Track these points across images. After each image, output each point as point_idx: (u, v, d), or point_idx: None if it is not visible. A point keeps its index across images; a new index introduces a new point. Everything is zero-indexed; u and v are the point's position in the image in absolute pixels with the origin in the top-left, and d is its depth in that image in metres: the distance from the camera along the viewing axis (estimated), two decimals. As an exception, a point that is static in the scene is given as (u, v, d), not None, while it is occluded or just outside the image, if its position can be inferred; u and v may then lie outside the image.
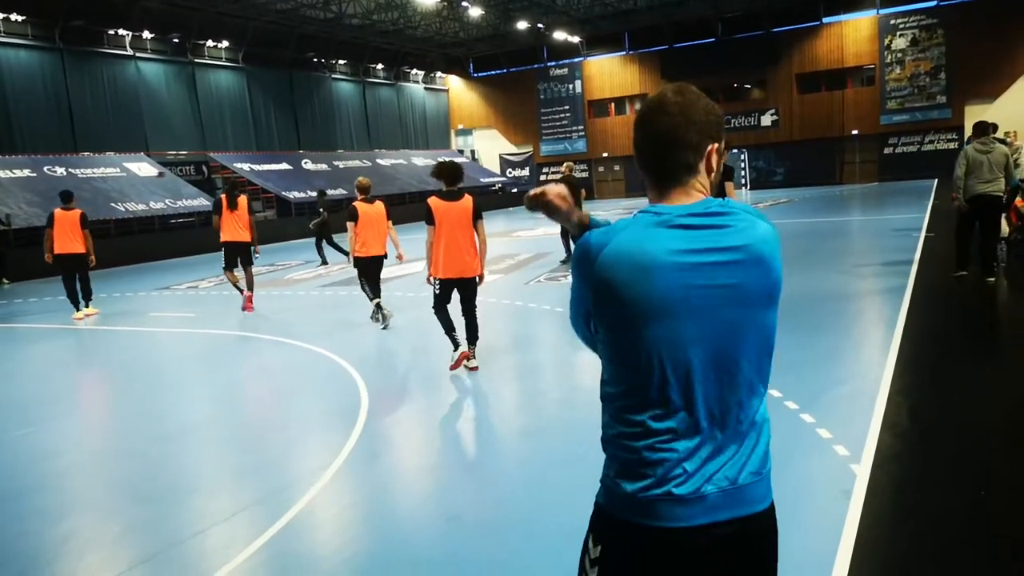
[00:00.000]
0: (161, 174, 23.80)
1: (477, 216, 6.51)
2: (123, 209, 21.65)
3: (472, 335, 6.62)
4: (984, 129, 8.90)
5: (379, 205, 8.90)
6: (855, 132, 33.20)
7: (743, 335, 1.50)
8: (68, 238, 11.16)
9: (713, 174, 1.58)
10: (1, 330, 11.32)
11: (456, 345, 6.60)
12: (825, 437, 4.47)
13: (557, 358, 7.44)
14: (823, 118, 33.76)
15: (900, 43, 32.27)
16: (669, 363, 1.48)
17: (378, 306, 8.89)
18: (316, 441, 5.33)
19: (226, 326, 10.00)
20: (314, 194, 27.89)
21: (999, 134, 13.22)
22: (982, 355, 6.39)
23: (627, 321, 1.48)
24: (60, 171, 21.84)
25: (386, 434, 5.37)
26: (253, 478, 4.68)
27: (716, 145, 1.57)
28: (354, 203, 8.85)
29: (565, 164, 14.34)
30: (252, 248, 10.79)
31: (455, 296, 6.57)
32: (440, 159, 7.87)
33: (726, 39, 35.00)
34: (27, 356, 9.71)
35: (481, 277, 6.62)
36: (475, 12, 30.65)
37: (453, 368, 6.57)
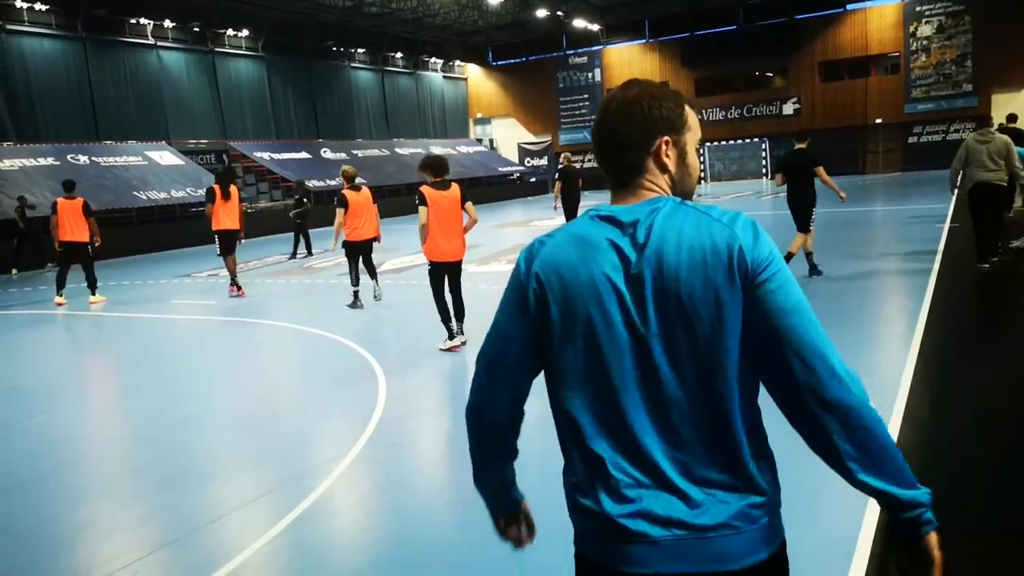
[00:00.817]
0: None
1: (465, 199, 7.07)
2: (145, 197, 21.85)
3: (459, 313, 7.17)
4: (986, 120, 9.21)
5: (365, 192, 9.70)
6: (879, 121, 32.74)
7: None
8: (71, 226, 11.38)
9: (676, 169, 1.47)
10: (22, 316, 11.48)
11: (451, 334, 7.06)
12: (845, 429, 4.41)
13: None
14: (846, 106, 33.31)
15: (926, 30, 31.73)
16: None
17: (356, 295, 9.63)
18: (334, 428, 5.36)
19: (245, 314, 10.07)
20: (334, 182, 28.04)
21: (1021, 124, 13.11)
22: (1006, 349, 6.29)
23: None
24: (83, 159, 22.07)
25: (404, 422, 5.39)
26: (272, 465, 4.71)
27: (667, 139, 1.44)
28: (342, 191, 9.51)
29: (563, 155, 14.36)
30: (238, 236, 11.29)
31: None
32: (427, 153, 8.75)
33: (748, 26, 34.59)
34: (46, 343, 9.85)
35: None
36: (494, 0, 30.50)
37: (443, 349, 7.05)
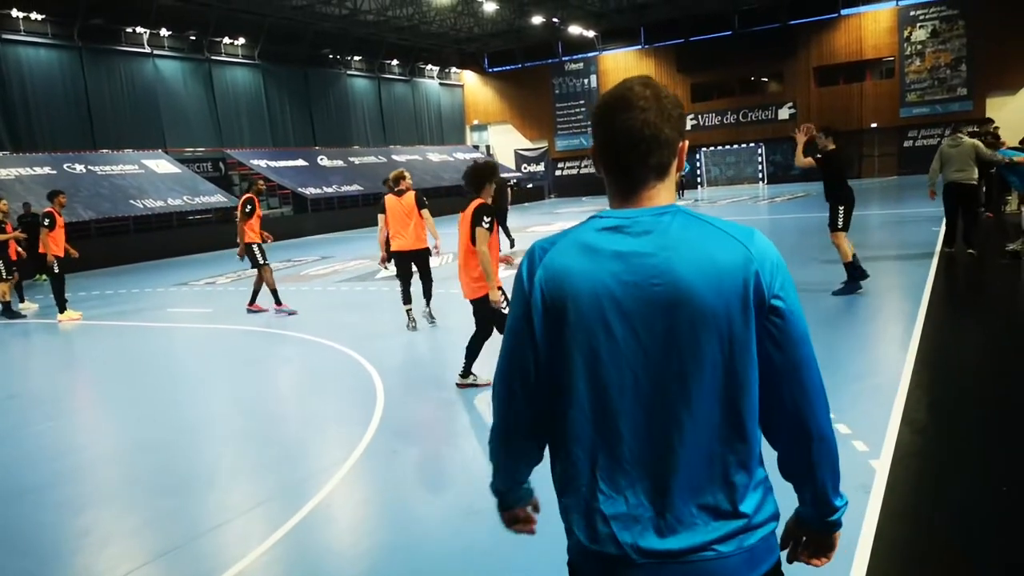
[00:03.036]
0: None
1: (421, 206, 7.65)
2: (141, 206, 21.83)
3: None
4: (957, 128, 10.59)
5: (409, 196, 8.46)
6: (874, 125, 32.84)
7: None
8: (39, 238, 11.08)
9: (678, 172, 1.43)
10: (21, 325, 11.45)
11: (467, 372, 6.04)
12: (844, 432, 4.43)
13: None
14: (841, 111, 33.39)
15: (920, 35, 31.86)
16: None
17: (408, 313, 8.62)
18: (333, 435, 5.35)
19: (243, 321, 10.06)
20: (330, 190, 28.05)
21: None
22: (1004, 350, 6.30)
23: None
24: (80, 168, 22.06)
25: (403, 429, 5.38)
26: (271, 472, 4.70)
27: (685, 143, 1.40)
28: (385, 196, 8.67)
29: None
30: (253, 248, 10.24)
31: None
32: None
33: (743, 32, 34.71)
34: (45, 351, 9.83)
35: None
36: (490, 7, 30.58)
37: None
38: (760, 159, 35.21)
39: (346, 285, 12.83)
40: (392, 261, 8.71)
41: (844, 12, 33.24)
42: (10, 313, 11.99)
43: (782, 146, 34.53)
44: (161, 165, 24.36)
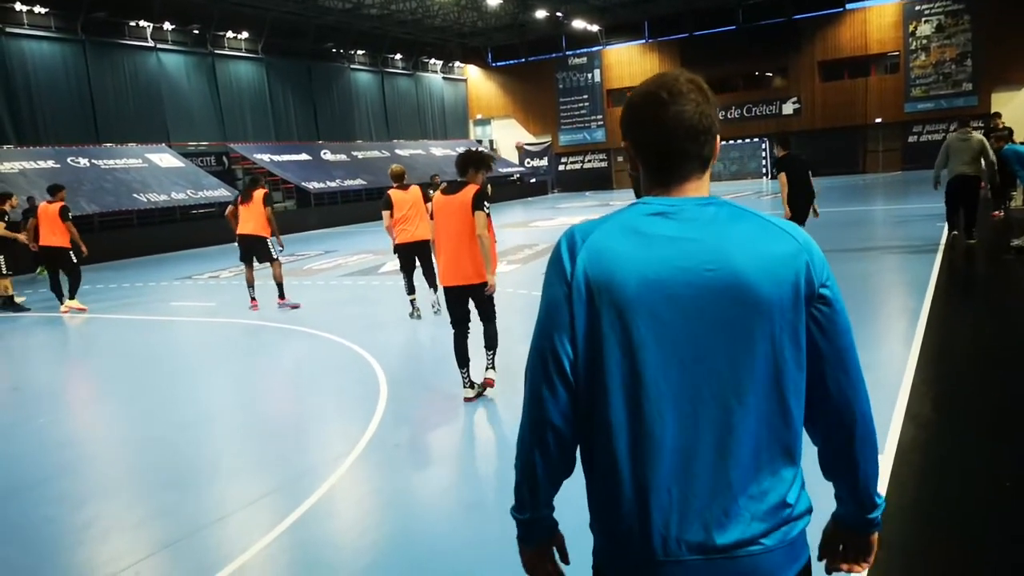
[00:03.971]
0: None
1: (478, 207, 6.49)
2: (145, 200, 21.86)
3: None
4: (966, 121, 11.27)
5: (414, 190, 8.70)
6: (879, 120, 32.74)
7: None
8: (48, 231, 11.32)
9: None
10: (24, 319, 11.48)
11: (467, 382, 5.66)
12: (847, 428, 4.41)
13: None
14: (846, 106, 33.31)
15: (925, 29, 31.73)
16: None
17: (412, 303, 8.87)
18: (336, 429, 5.36)
19: (245, 315, 10.07)
20: (333, 184, 28.05)
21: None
22: (1008, 346, 6.28)
23: None
24: (83, 162, 22.08)
25: (406, 423, 5.38)
26: (273, 466, 4.71)
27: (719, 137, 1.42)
28: (388, 191, 8.76)
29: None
30: (270, 242, 10.04)
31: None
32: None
33: (747, 26, 34.61)
34: (48, 345, 9.86)
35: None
36: (494, 1, 30.51)
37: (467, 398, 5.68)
38: (764, 154, 35.11)
39: (349, 279, 12.84)
40: (397, 254, 8.81)
41: (849, 7, 33.11)
42: (13, 306, 12.03)
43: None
44: (164, 159, 24.37)
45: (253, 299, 10.33)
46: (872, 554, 1.52)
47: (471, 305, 5.62)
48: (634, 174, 1.41)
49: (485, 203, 5.36)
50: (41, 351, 9.38)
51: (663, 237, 1.31)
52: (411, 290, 8.85)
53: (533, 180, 38.80)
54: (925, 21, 31.70)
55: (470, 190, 5.39)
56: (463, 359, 5.57)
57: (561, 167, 40.25)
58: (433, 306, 8.82)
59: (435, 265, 6.00)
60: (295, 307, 10.12)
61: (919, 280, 8.67)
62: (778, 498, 1.33)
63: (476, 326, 5.65)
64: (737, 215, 1.34)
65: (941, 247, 10.89)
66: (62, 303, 11.56)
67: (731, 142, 35.74)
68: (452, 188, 5.50)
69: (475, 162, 5.49)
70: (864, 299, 8.31)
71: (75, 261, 11.40)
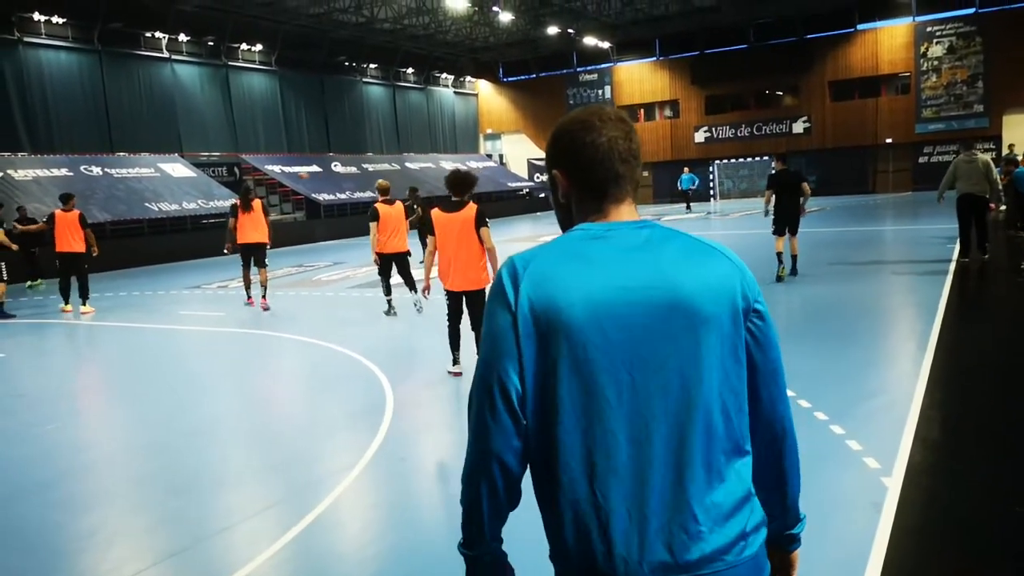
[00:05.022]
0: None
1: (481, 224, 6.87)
2: (157, 209, 21.99)
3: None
4: (971, 144, 11.78)
5: (398, 205, 9.87)
6: (889, 140, 32.70)
7: None
8: (68, 238, 11.81)
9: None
10: (31, 325, 11.54)
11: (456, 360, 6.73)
12: (855, 449, 4.39)
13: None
14: (856, 126, 33.30)
15: (937, 51, 31.75)
16: None
17: (389, 303, 9.99)
18: (342, 440, 5.36)
19: (254, 325, 10.10)
20: (343, 196, 28.17)
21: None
22: (1019, 368, 6.24)
23: None
24: (96, 171, 22.25)
25: (412, 434, 5.38)
26: (280, 475, 4.71)
27: None
28: (375, 204, 9.67)
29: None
30: (266, 248, 11.25)
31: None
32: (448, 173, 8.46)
33: (758, 45, 34.70)
34: (56, 351, 9.90)
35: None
36: (506, 17, 30.71)
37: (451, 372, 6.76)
38: (774, 172, 35.08)
39: (357, 291, 12.87)
40: (380, 261, 9.80)
41: (860, 27, 33.18)
42: (2, 314, 12.00)
43: (797, 160, 34.45)
44: (177, 169, 24.54)
45: (250, 297, 11.57)
46: (795, 570, 1.57)
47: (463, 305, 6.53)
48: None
49: (486, 219, 6.26)
50: (47, 357, 9.42)
51: (604, 260, 1.34)
52: (388, 291, 10.01)
53: (542, 195, 38.86)
54: (937, 42, 31.72)
55: (470, 209, 6.21)
56: (455, 342, 6.61)
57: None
58: (415, 304, 9.26)
59: (411, 272, 7.60)
60: (267, 308, 11.11)
61: (929, 302, 8.63)
62: (734, 512, 1.34)
63: (426, 319, 5.65)
64: (670, 236, 1.40)
65: (952, 268, 10.84)
66: (66, 304, 12.07)
67: (740, 160, 35.77)
68: (451, 207, 6.27)
69: (469, 184, 6.28)
70: (874, 320, 8.28)
71: (86, 266, 11.97)
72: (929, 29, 31.82)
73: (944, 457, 4.36)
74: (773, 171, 11.33)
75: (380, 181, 10.04)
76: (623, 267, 1.33)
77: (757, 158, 35.37)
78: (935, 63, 31.83)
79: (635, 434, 1.30)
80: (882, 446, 4.40)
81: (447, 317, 6.63)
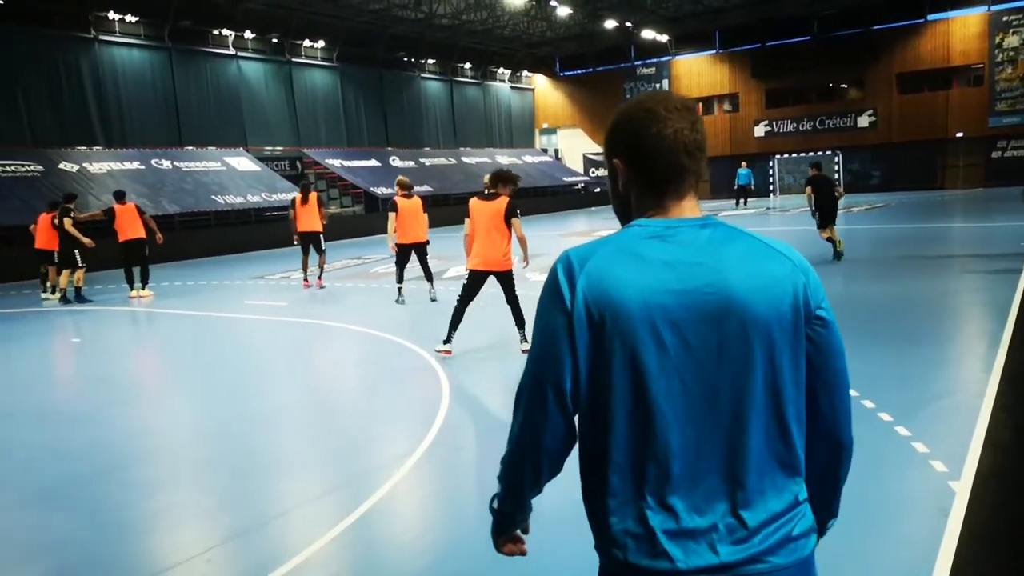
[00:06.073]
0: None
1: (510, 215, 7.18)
2: (222, 201, 22.65)
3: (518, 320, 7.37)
4: None
5: (416, 200, 10.76)
6: (960, 134, 31.48)
7: None
8: (130, 227, 12.97)
9: None
10: (102, 313, 12.03)
11: (449, 339, 7.26)
12: (921, 451, 4.27)
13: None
14: (925, 119, 32.13)
15: (1013, 41, 30.38)
16: None
17: (399, 291, 10.75)
18: (399, 429, 5.45)
19: (315, 315, 10.33)
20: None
21: None
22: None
23: None
24: (166, 164, 23.04)
25: (467, 425, 5.44)
26: (338, 462, 4.82)
27: None
28: (394, 198, 10.62)
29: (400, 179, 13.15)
30: (320, 236, 12.58)
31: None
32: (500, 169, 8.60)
33: (822, 37, 33.77)
34: (127, 337, 10.30)
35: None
36: (563, 11, 30.60)
37: (438, 351, 7.27)
38: (837, 167, 34.18)
39: (414, 283, 13.02)
40: (398, 250, 10.66)
41: (931, 17, 31.98)
42: (80, 299, 12.81)
43: (861, 155, 33.47)
44: (242, 163, 25.22)
45: (306, 280, 12.92)
46: None
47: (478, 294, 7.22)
48: (622, 194, 1.35)
49: (517, 211, 7.03)
50: (120, 343, 9.81)
51: (661, 261, 1.30)
52: (401, 279, 10.73)
53: (597, 189, 38.64)
54: (1013, 32, 30.36)
55: (502, 201, 7.01)
56: (456, 322, 7.16)
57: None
58: (430, 293, 10.54)
59: (428, 263, 8.69)
60: (322, 287, 12.64)
61: (1001, 300, 8.30)
62: (782, 516, 1.33)
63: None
64: (732, 236, 1.35)
65: (1026, 268, 10.41)
66: (132, 290, 12.95)
67: (801, 154, 34.92)
68: (488, 197, 7.10)
69: (504, 179, 7.13)
70: (941, 318, 8.01)
71: (148, 253, 13.12)
72: (1005, 19, 30.46)
73: (1015, 462, 4.21)
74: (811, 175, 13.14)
75: (400, 177, 10.89)
76: (681, 268, 1.30)
77: (819, 152, 34.48)
78: (1011, 54, 30.47)
79: (686, 441, 1.30)
80: (950, 449, 4.27)
81: (458, 297, 7.21)
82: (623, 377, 1.29)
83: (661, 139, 1.35)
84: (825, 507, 1.50)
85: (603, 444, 1.33)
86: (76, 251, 12.79)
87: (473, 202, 7.14)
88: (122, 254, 13.10)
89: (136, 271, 13.10)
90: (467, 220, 7.18)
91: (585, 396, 1.34)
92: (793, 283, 1.32)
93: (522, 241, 7.15)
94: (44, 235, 13.36)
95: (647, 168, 1.38)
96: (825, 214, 12.33)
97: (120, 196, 13.33)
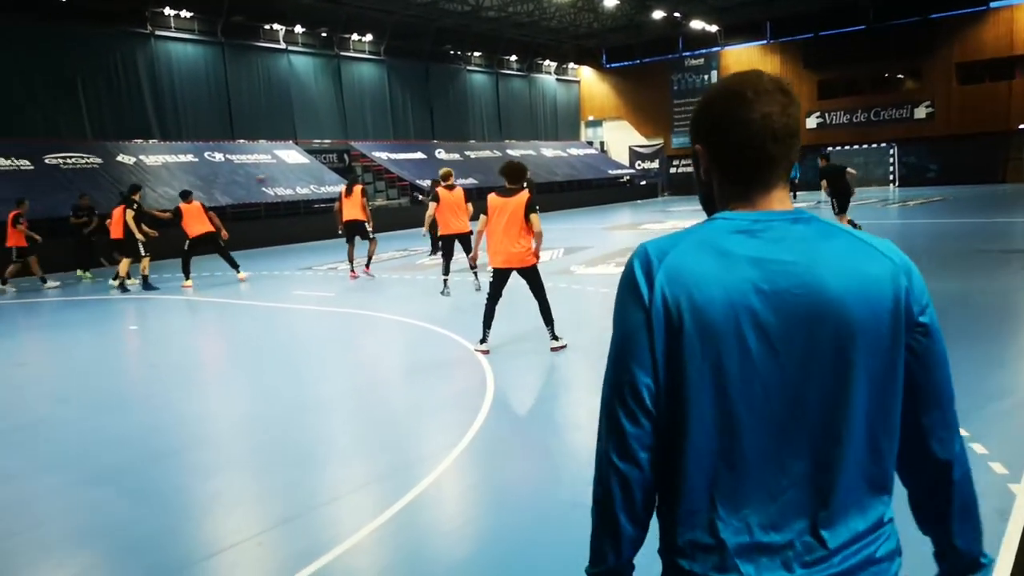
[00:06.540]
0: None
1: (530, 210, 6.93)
2: (272, 193, 23.07)
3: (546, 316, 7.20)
4: None
5: (459, 191, 11.04)
6: (1023, 127, 30.36)
7: None
8: (198, 224, 13.57)
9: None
10: (160, 302, 12.37)
11: (484, 338, 7.21)
12: (980, 453, 4.14)
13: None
14: (986, 111, 31.03)
15: (1082, 28, 29.16)
16: None
17: (445, 283, 10.84)
18: (444, 420, 5.49)
19: (362, 306, 10.47)
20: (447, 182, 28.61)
21: None
22: None
23: None
24: (219, 157, 23.55)
25: (511, 416, 5.46)
26: (385, 451, 4.89)
27: None
28: (437, 188, 10.95)
29: (444, 171, 11.59)
30: (365, 225, 12.92)
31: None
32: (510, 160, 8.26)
33: (878, 26, 32.85)
34: (182, 326, 10.58)
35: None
36: (610, 2, 30.35)
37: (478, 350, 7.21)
38: (892, 160, 33.28)
39: (459, 276, 13.09)
40: (440, 242, 10.94)
41: (993, 4, 30.86)
42: (147, 286, 13.27)
43: (917, 147, 32.51)
44: (291, 155, 25.65)
45: (353, 271, 13.18)
46: None
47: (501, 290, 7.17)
48: (705, 182, 1.27)
49: (536, 206, 6.93)
50: (176, 331, 10.08)
51: (748, 258, 1.20)
52: (447, 271, 10.81)
53: (643, 182, 38.30)
54: (1082, 19, 29.14)
55: (523, 196, 6.89)
56: (488, 321, 7.13)
57: (672, 169, 39.53)
58: (474, 283, 10.78)
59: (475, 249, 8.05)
60: (370, 276, 12.99)
61: (1066, 299, 8.00)
62: (864, 537, 1.23)
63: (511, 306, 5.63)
64: (828, 232, 1.23)
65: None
66: (187, 280, 13.46)
67: (855, 147, 34.07)
68: (506, 192, 6.95)
69: (523, 174, 7.04)
70: (1001, 316, 7.75)
71: (222, 244, 13.79)
72: (1074, 4, 29.26)
73: (1080, 467, 4.05)
74: (821, 166, 14.48)
75: (443, 169, 11.14)
76: (770, 267, 1.19)
77: (873, 145, 33.60)
78: (1080, 41, 29.25)
79: (766, 452, 1.21)
80: (1010, 451, 4.14)
81: (487, 296, 7.17)
82: (701, 381, 1.20)
83: (746, 125, 1.23)
84: (950, 548, 1.34)
85: (678, 450, 1.24)
86: (138, 241, 13.35)
87: (492, 197, 7.03)
88: (189, 248, 13.60)
89: (196, 264, 13.74)
90: (482, 216, 7.14)
91: (665, 402, 1.24)
92: (895, 286, 1.20)
93: (538, 236, 7.05)
94: (118, 226, 13.87)
95: (731, 157, 1.26)
96: (843, 200, 13.72)
97: (186, 195, 13.87)
